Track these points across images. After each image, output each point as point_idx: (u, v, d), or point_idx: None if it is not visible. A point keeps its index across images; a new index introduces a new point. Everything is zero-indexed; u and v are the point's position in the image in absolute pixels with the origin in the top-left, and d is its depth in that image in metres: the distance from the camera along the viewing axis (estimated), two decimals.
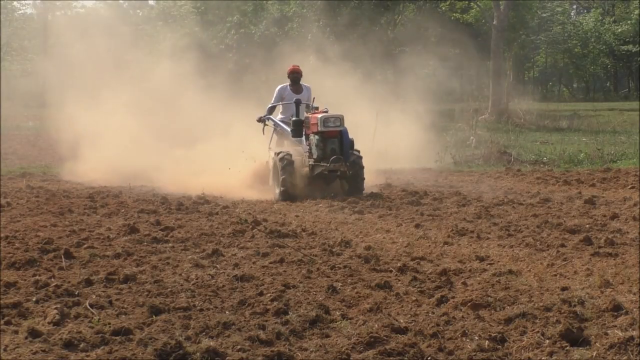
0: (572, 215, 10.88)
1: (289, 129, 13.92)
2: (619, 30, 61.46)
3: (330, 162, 12.81)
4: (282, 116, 14.55)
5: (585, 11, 72.32)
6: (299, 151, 13.60)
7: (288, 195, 12.98)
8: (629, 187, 14.10)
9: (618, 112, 41.24)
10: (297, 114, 13.78)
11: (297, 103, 13.83)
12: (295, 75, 14.58)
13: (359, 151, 13.45)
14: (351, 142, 13.30)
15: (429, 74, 79.51)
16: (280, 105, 14.63)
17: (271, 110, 14.60)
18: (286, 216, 11.39)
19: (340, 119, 13.15)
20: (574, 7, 74.84)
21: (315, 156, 13.17)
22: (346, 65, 29.28)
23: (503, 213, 11.24)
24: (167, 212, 11.52)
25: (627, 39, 60.75)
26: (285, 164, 13.01)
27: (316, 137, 13.18)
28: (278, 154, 13.30)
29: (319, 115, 13.11)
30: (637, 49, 59.30)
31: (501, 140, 24.47)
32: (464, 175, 17.36)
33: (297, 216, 11.37)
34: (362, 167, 13.26)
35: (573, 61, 65.17)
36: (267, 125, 14.57)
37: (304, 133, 13.62)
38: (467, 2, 42.88)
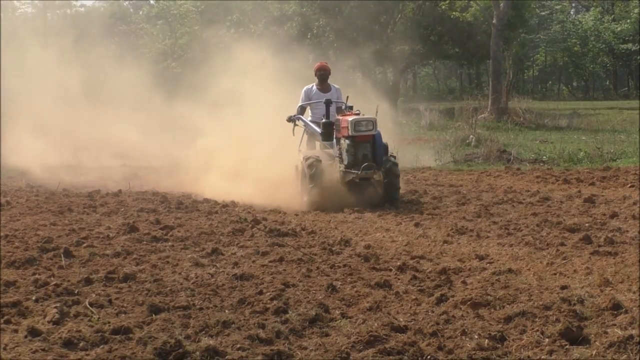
0: (572, 214, 10.89)
1: (320, 130, 12.91)
2: (619, 28, 61.42)
3: (362, 169, 11.78)
4: (312, 117, 13.49)
5: (585, 10, 72.35)
6: (329, 155, 12.57)
7: (317, 204, 11.89)
8: (629, 185, 14.11)
9: (617, 111, 41.25)
10: (327, 116, 12.85)
11: (327, 103, 12.92)
12: (322, 73, 13.53)
13: (394, 157, 12.38)
14: (385, 147, 12.28)
15: (428, 72, 79.61)
16: (309, 106, 13.58)
17: (302, 110, 13.55)
18: (286, 215, 11.40)
19: (373, 122, 12.07)
20: (573, 5, 74.85)
21: (345, 162, 12.09)
22: (345, 63, 29.33)
23: (503, 212, 11.25)
24: (166, 211, 11.53)
25: (627, 38, 60.74)
26: (314, 170, 11.93)
27: (347, 141, 12.07)
28: (307, 159, 12.21)
29: (350, 118, 12.00)
30: (636, 47, 59.31)
31: (501, 139, 24.49)
32: (464, 174, 17.37)
33: (296, 215, 11.39)
34: (398, 175, 12.17)
35: (572, 60, 65.22)
36: (297, 125, 13.45)
37: (334, 136, 12.68)
38: (466, 0, 42.86)
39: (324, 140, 12.77)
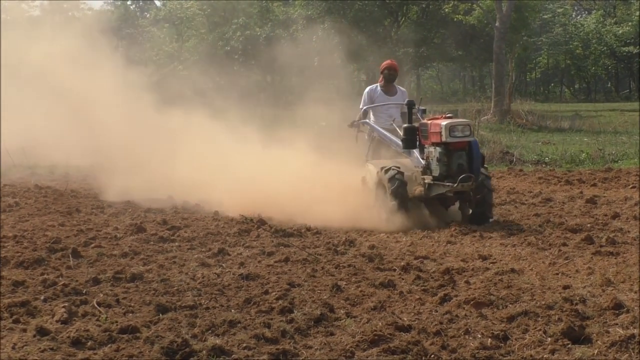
0: (574, 214, 10.94)
1: (392, 137, 11.35)
2: (620, 31, 61.37)
3: (459, 181, 10.00)
4: (375, 122, 11.83)
5: (587, 13, 72.33)
6: (406, 166, 10.91)
7: (399, 223, 10.30)
8: (630, 186, 14.12)
9: (619, 113, 41.21)
10: (409, 120, 10.99)
11: (410, 105, 11.01)
12: (390, 73, 11.99)
13: (486, 168, 10.78)
14: (482, 157, 10.59)
15: (432, 75, 79.63)
16: (371, 110, 11.96)
17: (365, 114, 11.95)
18: (291, 216, 11.38)
19: (469, 126, 10.52)
20: (575, 8, 74.83)
21: (436, 173, 10.37)
22: (350, 66, 29.34)
23: (505, 212, 11.30)
24: (173, 212, 11.57)
25: (628, 40, 60.69)
26: (397, 184, 10.41)
27: (438, 149, 10.35)
28: (386, 170, 10.62)
29: (444, 122, 10.29)
30: (638, 50, 59.25)
31: (504, 140, 24.49)
32: None
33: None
34: (491, 190, 10.64)
35: (574, 62, 65.22)
36: (361, 131, 12.01)
37: (417, 144, 10.90)
38: (469, 4, 42.90)
39: (406, 147, 10.95)
